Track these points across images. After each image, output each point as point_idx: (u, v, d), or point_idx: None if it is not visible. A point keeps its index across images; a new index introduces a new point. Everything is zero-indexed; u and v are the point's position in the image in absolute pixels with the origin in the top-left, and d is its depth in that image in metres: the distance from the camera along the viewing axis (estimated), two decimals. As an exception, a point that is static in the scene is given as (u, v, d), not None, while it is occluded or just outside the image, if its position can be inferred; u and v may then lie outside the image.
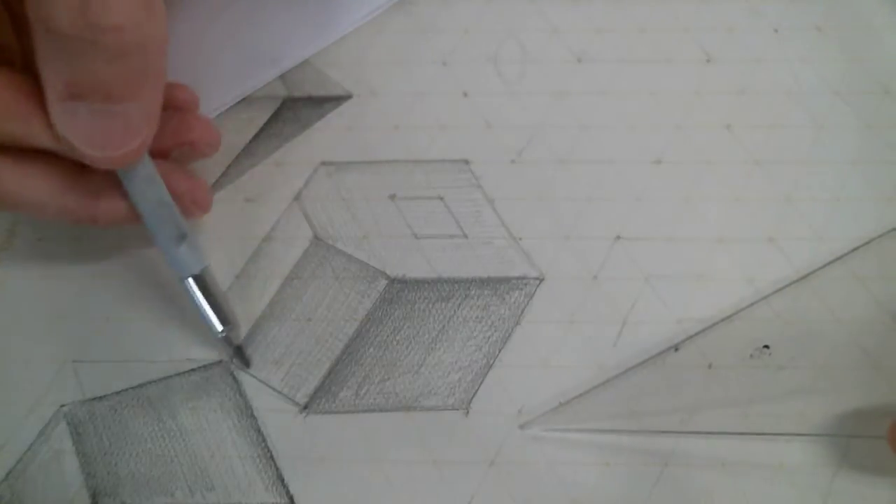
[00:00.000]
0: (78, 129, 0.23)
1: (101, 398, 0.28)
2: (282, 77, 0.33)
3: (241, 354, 0.28)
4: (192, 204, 0.28)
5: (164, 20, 0.23)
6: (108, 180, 0.26)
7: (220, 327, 0.27)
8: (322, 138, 0.32)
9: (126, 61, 0.22)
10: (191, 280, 0.27)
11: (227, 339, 0.28)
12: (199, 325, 0.29)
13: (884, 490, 0.26)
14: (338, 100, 0.33)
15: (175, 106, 0.27)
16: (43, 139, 0.23)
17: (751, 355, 0.28)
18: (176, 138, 0.27)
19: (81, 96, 0.22)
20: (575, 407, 0.28)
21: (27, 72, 0.23)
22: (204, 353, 0.29)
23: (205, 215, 0.29)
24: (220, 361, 0.29)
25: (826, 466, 0.26)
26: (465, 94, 0.33)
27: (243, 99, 0.33)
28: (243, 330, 0.29)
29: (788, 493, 0.26)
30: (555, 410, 0.27)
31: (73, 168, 0.25)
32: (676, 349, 0.28)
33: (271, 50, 0.33)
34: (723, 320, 0.29)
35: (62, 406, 0.28)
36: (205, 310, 0.27)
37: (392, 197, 0.31)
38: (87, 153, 0.23)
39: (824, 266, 0.29)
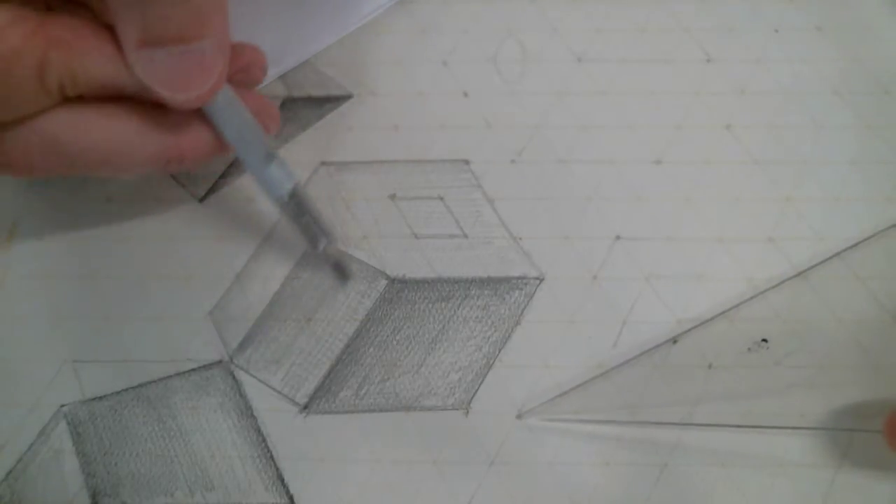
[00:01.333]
0: (158, 75, 0.23)
1: (101, 398, 0.28)
2: (282, 77, 0.33)
3: (340, 268, 0.29)
4: (266, 119, 0.27)
5: None
6: (191, 115, 0.25)
7: (322, 242, 0.27)
8: (322, 138, 0.32)
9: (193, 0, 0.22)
10: (290, 194, 0.26)
11: (327, 254, 0.28)
12: (199, 325, 0.29)
13: (885, 486, 0.26)
14: (338, 100, 0.33)
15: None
16: (127, 82, 0.23)
17: (749, 349, 0.28)
18: (232, 65, 0.26)
19: (157, 42, 0.22)
20: (573, 398, 0.28)
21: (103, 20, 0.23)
22: (204, 353, 0.29)
23: (277, 130, 0.29)
24: (220, 361, 0.29)
25: (826, 464, 0.26)
26: (465, 94, 0.33)
27: (243, 99, 0.33)
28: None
29: (789, 492, 0.26)
30: (553, 401, 0.28)
31: (154, 109, 0.25)
32: (675, 342, 0.28)
33: (272, 50, 0.33)
34: (721, 314, 0.29)
35: (62, 406, 0.28)
36: (304, 225, 0.27)
37: (392, 197, 0.31)
38: (169, 96, 0.23)
39: (822, 262, 0.29)
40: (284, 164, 0.26)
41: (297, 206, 0.27)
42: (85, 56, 0.22)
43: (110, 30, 0.23)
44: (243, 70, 0.27)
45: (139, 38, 0.22)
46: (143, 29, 0.22)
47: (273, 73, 0.33)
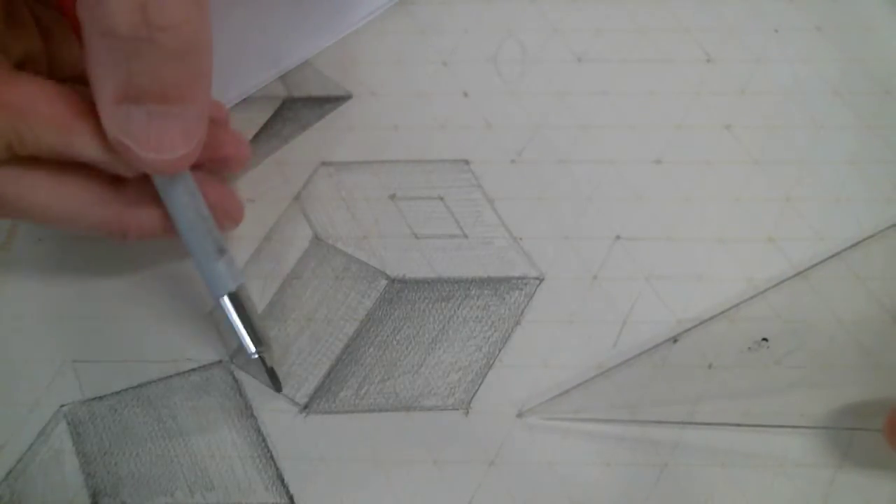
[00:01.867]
0: (134, 132, 0.22)
1: (101, 398, 0.28)
2: (282, 77, 0.33)
3: (274, 376, 0.28)
4: (224, 216, 0.27)
5: (209, 20, 0.22)
6: (143, 192, 0.25)
7: (253, 348, 0.26)
8: (322, 138, 0.32)
9: (183, 61, 0.22)
10: (226, 299, 0.26)
11: (260, 360, 0.27)
12: (199, 325, 0.29)
13: (886, 485, 0.26)
14: (338, 100, 0.33)
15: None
16: (84, 149, 0.23)
17: (749, 348, 0.28)
18: (209, 152, 0.26)
19: (138, 98, 0.22)
20: (573, 397, 0.28)
21: (55, 79, 0.23)
22: (204, 353, 0.29)
23: (234, 229, 0.29)
24: (220, 361, 0.29)
25: (827, 464, 0.26)
26: (465, 94, 0.33)
27: (243, 99, 0.33)
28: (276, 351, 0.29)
29: (789, 491, 0.26)
30: (553, 400, 0.28)
31: (107, 180, 0.25)
32: (675, 341, 0.28)
33: (272, 50, 0.33)
34: (721, 313, 0.29)
35: (62, 406, 0.28)
36: (240, 330, 0.26)
37: (392, 197, 0.31)
38: (142, 157, 0.23)
39: (822, 262, 0.29)
40: (232, 264, 0.26)
41: (236, 308, 0.26)
42: (34, 122, 0.22)
43: (70, 93, 0.23)
44: (222, 161, 0.27)
45: (119, 92, 0.22)
46: (126, 83, 0.22)
47: (273, 73, 0.33)
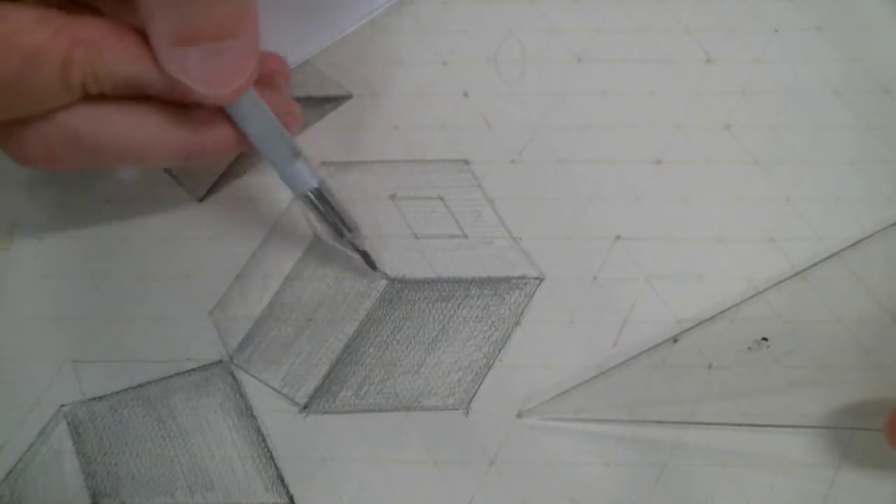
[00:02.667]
0: (191, 72, 0.23)
1: (101, 398, 0.28)
2: (282, 77, 0.33)
3: (367, 257, 0.29)
4: (289, 118, 0.28)
5: None
6: (213, 112, 0.26)
7: (346, 233, 0.28)
8: (322, 138, 0.32)
9: None
10: (311, 194, 0.27)
11: (352, 245, 0.28)
12: (199, 325, 0.29)
13: (885, 485, 0.26)
14: (338, 100, 0.33)
15: None
16: (151, 81, 0.24)
17: (749, 348, 0.28)
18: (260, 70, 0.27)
19: (192, 40, 0.23)
20: (573, 397, 0.28)
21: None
22: (204, 353, 0.29)
23: (300, 130, 0.29)
24: (220, 361, 0.29)
25: (827, 464, 0.26)
26: (465, 94, 0.33)
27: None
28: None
29: (789, 491, 0.26)
30: (553, 400, 0.28)
31: (176, 106, 0.25)
32: (675, 341, 0.28)
33: (272, 48, 0.33)
34: (721, 313, 0.29)
35: (62, 406, 0.28)
36: (331, 219, 0.27)
37: (392, 197, 0.31)
38: (202, 93, 0.24)
39: (822, 262, 0.29)
40: (309, 162, 0.27)
41: (321, 202, 0.27)
42: (108, 55, 0.23)
43: (134, 30, 0.23)
44: (268, 76, 0.27)
45: (174, 35, 0.23)
46: (179, 27, 0.22)
47: None
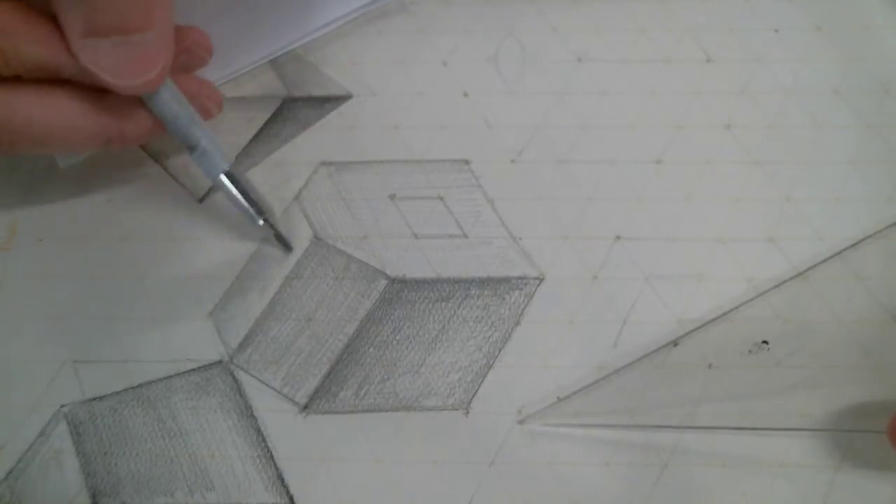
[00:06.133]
0: (101, 62, 0.24)
1: (101, 398, 0.28)
2: (282, 77, 0.33)
3: (282, 238, 0.30)
4: (207, 101, 0.28)
5: None
6: (131, 98, 0.26)
7: (258, 217, 0.28)
8: (322, 138, 0.32)
9: None
10: (223, 177, 0.28)
11: (267, 226, 0.29)
12: (199, 325, 0.29)
13: (885, 487, 0.26)
14: (338, 100, 0.33)
15: None
16: (65, 66, 0.24)
17: (749, 351, 0.28)
18: (175, 46, 0.27)
19: (102, 32, 0.23)
20: (574, 402, 0.28)
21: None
22: (204, 353, 0.29)
23: (219, 113, 0.29)
24: (220, 361, 0.29)
25: (826, 465, 0.26)
26: (465, 94, 0.33)
27: (243, 99, 0.33)
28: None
29: (789, 493, 0.26)
30: (554, 406, 0.28)
31: (94, 92, 0.25)
32: (675, 344, 0.28)
33: (263, 28, 0.33)
34: (721, 316, 0.29)
35: (62, 406, 0.28)
36: (241, 202, 0.28)
37: (392, 197, 0.31)
38: (112, 83, 0.24)
39: (822, 263, 0.29)
40: (218, 147, 0.28)
41: (235, 185, 0.28)
42: (18, 39, 0.23)
43: (48, 15, 0.24)
44: (186, 51, 0.28)
45: (83, 27, 0.23)
46: (88, 19, 0.23)
47: (267, 51, 0.33)
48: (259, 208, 0.29)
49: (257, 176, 0.32)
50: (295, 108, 0.33)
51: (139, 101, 0.26)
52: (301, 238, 0.31)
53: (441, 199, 0.31)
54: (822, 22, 0.34)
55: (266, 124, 0.33)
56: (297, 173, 0.32)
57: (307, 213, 0.31)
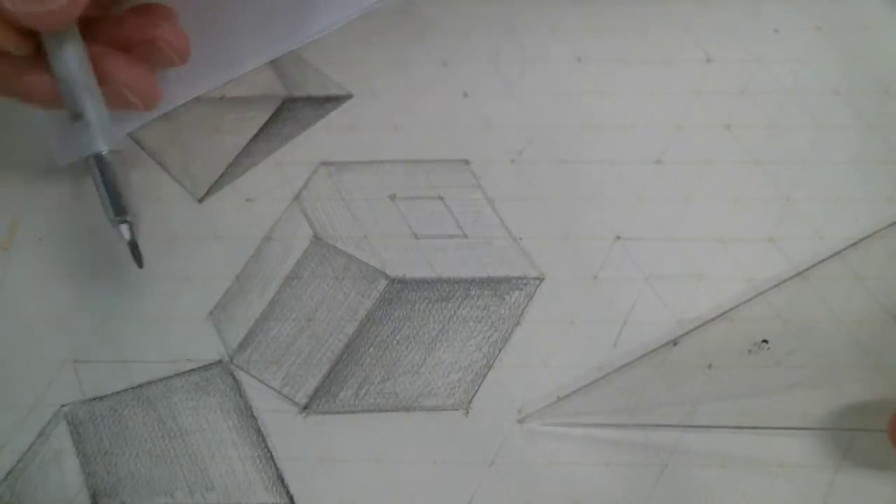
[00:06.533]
0: None
1: (101, 398, 0.28)
2: (282, 77, 0.33)
3: (135, 248, 0.27)
4: (134, 95, 0.27)
5: None
6: (38, 57, 0.26)
7: (116, 216, 0.27)
8: (322, 138, 0.32)
9: None
10: (92, 158, 0.26)
11: (120, 229, 0.27)
12: (199, 325, 0.29)
13: (885, 487, 0.26)
14: (338, 100, 0.33)
15: (148, 7, 0.28)
16: None
17: (749, 350, 0.28)
18: (140, 33, 0.27)
19: None
20: (573, 402, 0.28)
21: None
22: (204, 353, 0.29)
23: (150, 114, 0.29)
24: (220, 361, 0.29)
25: (826, 465, 0.26)
26: (465, 94, 0.33)
27: (243, 99, 0.33)
28: (239, 333, 0.29)
29: (789, 492, 0.26)
30: (553, 405, 0.28)
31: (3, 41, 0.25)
32: (675, 344, 0.28)
33: (267, 30, 0.33)
34: (721, 315, 0.29)
35: (62, 406, 0.28)
36: (103, 192, 0.26)
37: (392, 197, 0.31)
38: (14, 7, 0.23)
39: (822, 262, 0.29)
40: (104, 127, 0.26)
41: (101, 173, 0.26)
42: None
43: None
44: (152, 41, 0.27)
45: None
46: None
47: (269, 53, 0.33)
48: (121, 207, 0.26)
49: (257, 176, 0.32)
50: (295, 108, 0.33)
51: (44, 62, 0.26)
52: (301, 238, 0.31)
53: (441, 199, 0.31)
54: (822, 22, 0.34)
55: (266, 124, 0.33)
56: (297, 173, 0.32)
57: (307, 213, 0.31)
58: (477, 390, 0.28)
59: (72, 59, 0.25)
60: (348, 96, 0.33)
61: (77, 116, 0.26)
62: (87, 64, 0.26)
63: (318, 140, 0.32)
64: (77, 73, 0.26)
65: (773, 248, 0.30)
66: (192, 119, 0.32)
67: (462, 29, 0.34)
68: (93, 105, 0.26)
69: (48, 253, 0.31)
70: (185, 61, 0.28)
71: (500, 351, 0.29)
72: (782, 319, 0.28)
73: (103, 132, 0.26)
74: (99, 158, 0.26)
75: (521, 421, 0.27)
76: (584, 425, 0.27)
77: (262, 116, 0.33)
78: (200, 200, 0.31)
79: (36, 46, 0.26)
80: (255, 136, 0.32)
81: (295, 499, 0.27)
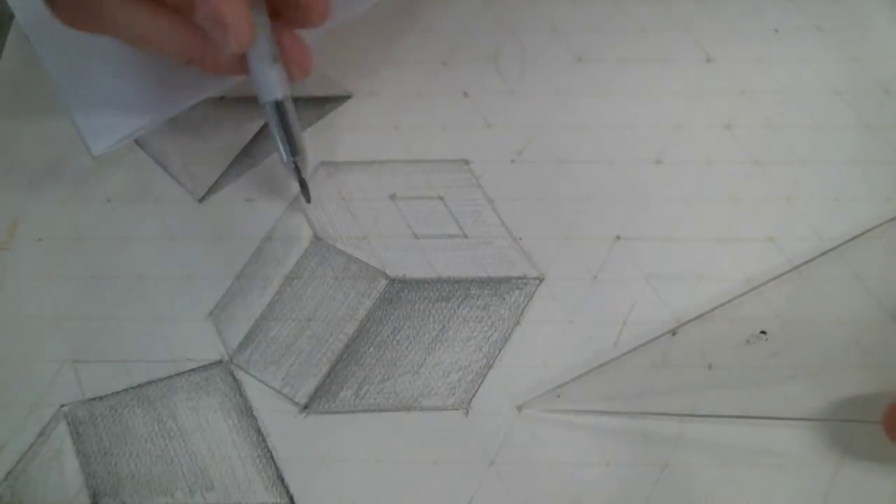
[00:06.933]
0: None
1: (101, 398, 0.28)
2: (282, 77, 0.33)
3: (305, 187, 0.30)
4: (291, 64, 0.29)
5: None
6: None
7: (288, 156, 0.29)
8: (322, 138, 0.32)
9: None
10: (272, 105, 0.28)
11: (295, 170, 0.29)
12: (199, 325, 0.29)
13: (886, 482, 0.26)
14: (338, 100, 0.33)
15: None
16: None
17: (748, 341, 0.28)
18: (289, 1, 0.28)
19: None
20: (573, 389, 0.28)
21: None
22: (204, 353, 0.29)
23: (305, 77, 0.30)
24: (220, 361, 0.29)
25: (827, 461, 0.26)
26: (465, 94, 0.33)
27: (243, 99, 0.33)
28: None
29: (790, 489, 0.26)
30: (552, 392, 0.28)
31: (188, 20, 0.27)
32: (674, 334, 0.28)
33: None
34: (720, 313, 0.29)
35: (62, 406, 0.28)
36: (280, 135, 0.28)
37: (392, 197, 0.31)
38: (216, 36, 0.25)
39: (819, 258, 0.29)
40: (284, 78, 0.28)
41: (279, 117, 0.28)
42: None
43: None
44: (298, 8, 0.28)
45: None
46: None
47: None
48: (294, 147, 0.29)
49: (257, 176, 0.32)
50: (295, 108, 0.33)
51: None
52: (301, 238, 0.31)
53: (441, 199, 0.31)
54: (822, 22, 0.34)
55: (266, 124, 0.33)
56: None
57: (307, 213, 0.31)
58: (477, 390, 0.28)
59: (261, 12, 0.28)
60: (348, 96, 0.33)
61: (275, 59, 0.28)
62: (266, 12, 0.28)
63: (318, 140, 0.32)
64: (267, 24, 0.28)
65: (773, 248, 0.30)
66: (192, 119, 0.32)
67: (462, 29, 0.34)
68: (271, 66, 0.28)
69: (48, 253, 0.31)
70: (322, 21, 0.29)
71: (500, 351, 0.29)
72: (781, 318, 0.28)
73: (279, 80, 0.28)
74: (279, 104, 0.28)
75: (519, 408, 0.27)
76: (582, 412, 0.27)
77: (262, 116, 0.33)
78: (200, 200, 0.31)
79: None
80: (255, 137, 0.32)
81: (295, 498, 0.27)
